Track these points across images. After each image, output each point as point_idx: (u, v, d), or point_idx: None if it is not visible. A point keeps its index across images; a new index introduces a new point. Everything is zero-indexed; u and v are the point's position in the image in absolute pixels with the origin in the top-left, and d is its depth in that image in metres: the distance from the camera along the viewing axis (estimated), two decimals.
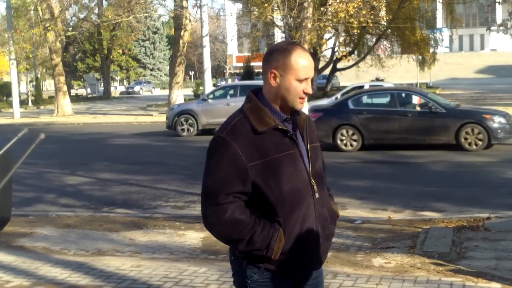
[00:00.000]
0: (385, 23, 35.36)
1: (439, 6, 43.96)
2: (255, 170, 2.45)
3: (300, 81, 2.50)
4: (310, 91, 2.53)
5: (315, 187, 2.57)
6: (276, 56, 2.52)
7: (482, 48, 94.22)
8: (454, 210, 8.38)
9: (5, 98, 50.58)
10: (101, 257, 6.43)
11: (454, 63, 71.44)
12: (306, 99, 2.58)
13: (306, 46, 28.47)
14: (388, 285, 5.26)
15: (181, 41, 29.70)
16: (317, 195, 2.58)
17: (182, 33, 29.62)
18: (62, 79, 35.63)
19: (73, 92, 64.76)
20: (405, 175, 11.50)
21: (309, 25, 26.79)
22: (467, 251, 6.24)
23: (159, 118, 29.22)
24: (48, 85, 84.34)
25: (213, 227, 2.52)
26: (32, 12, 36.12)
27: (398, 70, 50.53)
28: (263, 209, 2.51)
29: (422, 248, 6.33)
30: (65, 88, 35.71)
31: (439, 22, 57.53)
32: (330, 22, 28.11)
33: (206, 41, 28.30)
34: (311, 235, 2.56)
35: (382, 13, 33.73)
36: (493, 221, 7.49)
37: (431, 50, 38.97)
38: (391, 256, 6.14)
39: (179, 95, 30.51)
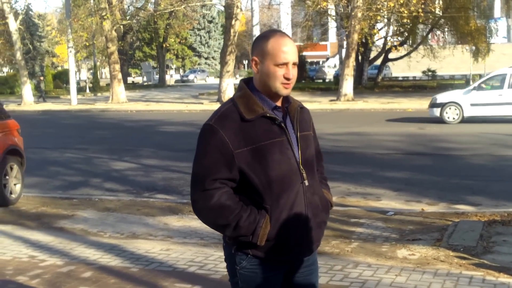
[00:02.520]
0: (439, 13, 34.68)
1: None
2: (242, 157, 2.51)
3: (279, 66, 2.54)
4: (290, 76, 2.55)
5: (304, 174, 2.61)
6: (257, 43, 2.60)
7: None
8: (490, 204, 8.29)
9: (64, 85, 52.04)
10: (133, 240, 6.69)
11: None
12: (291, 84, 2.60)
13: (355, 35, 28.41)
14: (407, 276, 5.30)
15: (232, 30, 29.96)
16: (306, 183, 2.61)
17: (233, 22, 29.88)
18: (117, 67, 36.43)
19: (130, 80, 66.14)
20: (444, 167, 11.39)
21: (359, 14, 26.66)
22: (494, 245, 6.21)
23: (209, 107, 29.57)
24: (107, 73, 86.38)
25: (200, 212, 2.60)
26: (92, 1, 37.03)
27: (453, 61, 49.40)
28: (251, 196, 2.57)
29: (448, 241, 6.32)
30: (120, 76, 36.51)
31: (497, 11, 55.87)
32: (379, 11, 27.78)
33: (256, 30, 28.55)
34: (300, 222, 2.60)
35: (436, 2, 33.12)
36: None
37: (486, 40, 37.98)
38: (416, 248, 6.16)
39: (229, 83, 30.84)
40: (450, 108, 19.16)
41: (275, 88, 2.57)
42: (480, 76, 45.58)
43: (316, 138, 2.84)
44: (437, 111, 19.41)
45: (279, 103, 2.63)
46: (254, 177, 2.53)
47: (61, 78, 56.21)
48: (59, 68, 75.36)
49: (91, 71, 54.62)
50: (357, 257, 5.90)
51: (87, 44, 41.61)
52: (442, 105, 19.31)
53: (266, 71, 2.56)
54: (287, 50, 2.55)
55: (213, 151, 2.53)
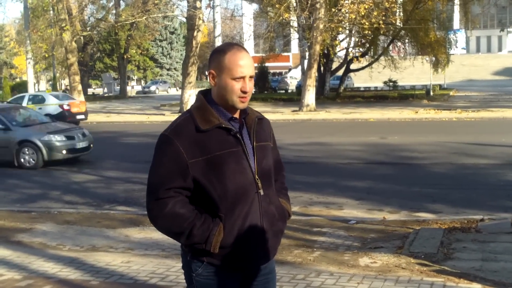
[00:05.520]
0: (399, 25, 35.28)
1: (456, 7, 43.67)
2: (197, 167, 2.54)
3: (236, 79, 2.57)
4: (247, 89, 2.59)
5: (259, 184, 2.64)
6: (214, 56, 2.63)
7: (500, 49, 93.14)
8: (450, 212, 8.41)
9: None
10: (94, 253, 6.58)
11: (471, 65, 70.83)
12: (248, 97, 2.63)
13: (317, 46, 28.66)
14: (369, 284, 5.33)
15: (194, 42, 29.90)
16: (261, 192, 2.64)
17: (195, 33, 29.82)
18: (77, 78, 35.94)
19: (90, 91, 65.38)
20: (405, 176, 11.53)
21: (321, 26, 26.93)
22: (454, 252, 6.29)
23: (171, 118, 29.34)
24: (67, 84, 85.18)
25: (155, 220, 2.62)
26: (51, 12, 36.53)
27: (414, 72, 50.36)
28: (206, 205, 2.60)
29: (409, 248, 6.39)
30: (80, 87, 36.03)
31: (456, 23, 57.11)
32: (341, 23, 28.13)
33: (218, 42, 28.56)
34: (255, 230, 2.63)
35: (396, 14, 33.68)
36: (486, 223, 7.52)
37: (446, 51, 38.75)
38: (378, 256, 6.21)
39: (192, 94, 30.74)
40: None
41: (232, 102, 2.61)
42: (440, 86, 46.54)
43: (276, 149, 2.87)
44: None
45: (236, 115, 2.67)
46: (210, 186, 2.57)
47: (20, 89, 55.19)
48: (18, 80, 74.05)
49: (50, 82, 53.87)
50: (319, 266, 5.91)
51: (47, 55, 41.09)
52: None
53: (224, 85, 2.59)
54: (244, 64, 2.58)
55: (168, 160, 2.57)
